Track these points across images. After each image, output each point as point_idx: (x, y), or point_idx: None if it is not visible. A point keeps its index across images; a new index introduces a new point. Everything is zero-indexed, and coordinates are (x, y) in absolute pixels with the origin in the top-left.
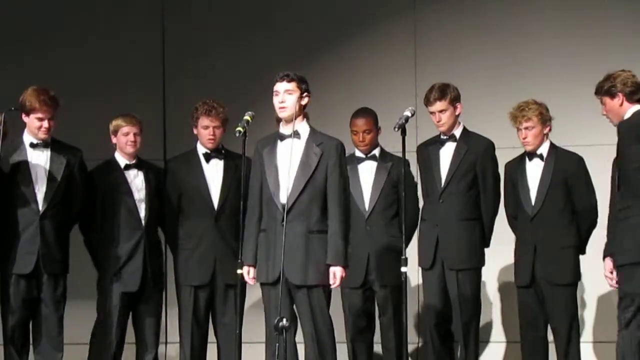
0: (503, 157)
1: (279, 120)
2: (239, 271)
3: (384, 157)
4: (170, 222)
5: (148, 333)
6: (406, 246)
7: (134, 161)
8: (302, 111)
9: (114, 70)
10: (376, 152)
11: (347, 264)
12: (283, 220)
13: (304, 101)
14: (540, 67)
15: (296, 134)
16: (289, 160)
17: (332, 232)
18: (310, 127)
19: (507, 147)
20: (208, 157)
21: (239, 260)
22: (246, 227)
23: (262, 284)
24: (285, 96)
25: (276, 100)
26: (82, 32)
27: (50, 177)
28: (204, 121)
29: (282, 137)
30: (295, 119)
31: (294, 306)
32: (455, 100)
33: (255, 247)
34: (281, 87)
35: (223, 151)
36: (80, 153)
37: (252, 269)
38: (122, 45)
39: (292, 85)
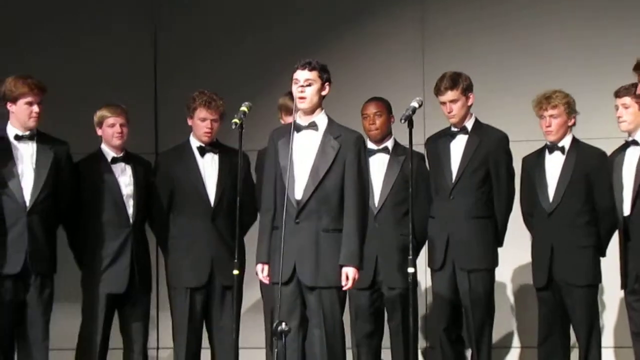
0: (518, 151)
1: (283, 109)
2: (235, 272)
3: (397, 150)
4: (161, 220)
5: (136, 338)
6: (419, 246)
7: (121, 154)
8: (322, 102)
9: (105, 61)
10: (389, 144)
11: (361, 266)
12: (297, 218)
13: (325, 91)
14: (557, 55)
15: (313, 126)
16: (305, 154)
17: (347, 231)
18: (329, 118)
19: (521, 140)
20: (202, 151)
21: (235, 260)
22: (261, 223)
23: (272, 284)
24: (305, 86)
25: (295, 90)
26: (73, 25)
27: (38, 171)
28: (201, 113)
29: (299, 128)
30: (314, 110)
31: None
32: (467, 90)
33: (270, 245)
34: (301, 75)
35: (218, 145)
36: (67, 145)
37: (266, 267)
38: (114, 37)
39: (313, 75)
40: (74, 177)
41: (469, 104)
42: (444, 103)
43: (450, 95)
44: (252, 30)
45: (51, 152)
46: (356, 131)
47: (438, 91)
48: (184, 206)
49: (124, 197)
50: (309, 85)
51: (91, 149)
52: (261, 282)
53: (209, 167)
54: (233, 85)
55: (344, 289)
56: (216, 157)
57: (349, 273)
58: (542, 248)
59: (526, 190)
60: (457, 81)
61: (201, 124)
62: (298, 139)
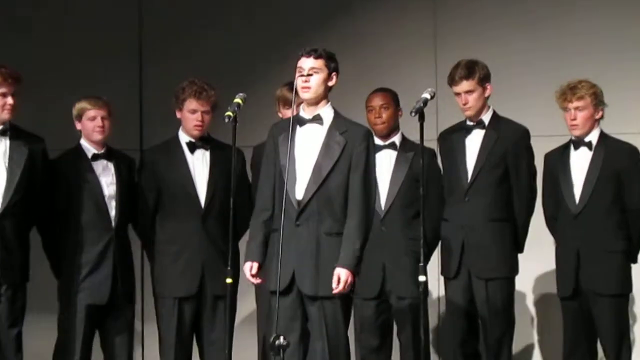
0: (540, 147)
1: (281, 101)
2: (228, 280)
3: (405, 146)
4: (147, 223)
5: (119, 353)
6: (430, 251)
7: (102, 150)
8: (328, 93)
9: (85, 48)
10: (396, 139)
11: (357, 270)
12: (297, 220)
13: (332, 82)
14: (583, 42)
15: (318, 119)
16: (307, 150)
17: (347, 232)
18: (335, 111)
19: (544, 135)
20: (192, 147)
21: (228, 268)
22: (253, 223)
23: (270, 292)
24: (310, 75)
25: (299, 79)
26: (50, 8)
27: (11, 170)
28: (191, 104)
29: (302, 122)
30: (319, 102)
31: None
32: (484, 80)
33: (262, 243)
34: (306, 63)
35: (209, 140)
36: (43, 142)
37: (255, 265)
38: (95, 22)
39: (319, 63)
40: (49, 176)
41: (486, 95)
42: (458, 94)
43: (465, 85)
44: (248, 15)
45: (26, 149)
46: (364, 126)
47: (452, 81)
48: (172, 208)
49: (106, 198)
50: (314, 74)
51: (68, 144)
52: (256, 291)
53: (199, 164)
54: (226, 75)
55: (334, 292)
56: (207, 153)
57: (341, 275)
58: (568, 254)
59: (549, 190)
60: (473, 70)
61: (191, 117)
62: (301, 133)
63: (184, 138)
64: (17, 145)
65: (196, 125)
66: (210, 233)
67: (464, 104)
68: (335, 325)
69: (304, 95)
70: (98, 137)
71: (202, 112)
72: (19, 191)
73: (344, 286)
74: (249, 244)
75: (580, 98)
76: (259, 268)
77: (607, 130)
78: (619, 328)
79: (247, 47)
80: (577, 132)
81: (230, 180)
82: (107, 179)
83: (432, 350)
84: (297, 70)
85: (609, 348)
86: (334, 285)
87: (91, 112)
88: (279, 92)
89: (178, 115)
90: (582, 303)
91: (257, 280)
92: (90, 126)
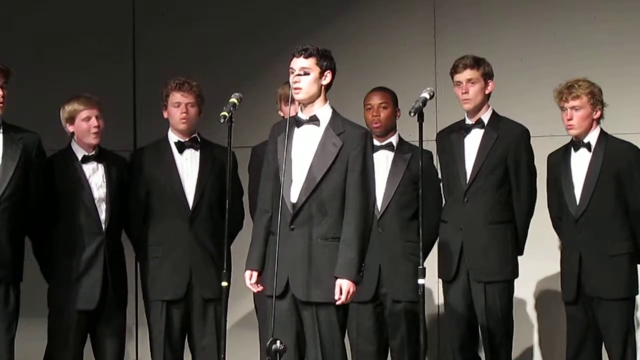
0: (541, 148)
1: (283, 99)
2: (224, 283)
3: (403, 147)
4: (137, 224)
5: (110, 359)
6: (425, 254)
7: (93, 152)
8: (324, 92)
9: (76, 45)
10: (393, 140)
11: (358, 279)
12: (292, 223)
13: (326, 81)
14: (586, 42)
15: (315, 120)
16: (303, 151)
17: (344, 238)
18: (333, 111)
19: (544, 136)
20: (181, 147)
21: (224, 271)
22: (255, 226)
23: (267, 296)
24: (301, 75)
25: (291, 80)
26: (44, 6)
27: (5, 164)
28: (175, 97)
29: (299, 123)
30: (313, 101)
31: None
32: (488, 75)
33: (262, 250)
34: (297, 64)
35: (199, 140)
36: (38, 136)
37: (255, 274)
38: (89, 21)
39: (309, 63)
40: (46, 171)
41: (487, 91)
42: (459, 83)
43: (468, 73)
44: (245, 15)
45: (20, 143)
46: (363, 127)
47: (455, 69)
48: (160, 209)
49: (96, 201)
50: (306, 74)
51: (55, 142)
52: (254, 295)
53: (187, 164)
54: (221, 75)
55: (337, 303)
56: (197, 153)
57: (343, 286)
58: (571, 257)
59: (553, 191)
60: (480, 63)
61: (175, 110)
62: (298, 134)
63: (173, 138)
64: (11, 138)
65: (182, 119)
66: (198, 235)
67: (464, 93)
68: (330, 332)
69: (296, 96)
70: (95, 140)
71: (187, 104)
72: (13, 185)
73: (347, 297)
74: (250, 250)
75: (577, 97)
76: (259, 275)
77: (610, 131)
78: (624, 333)
79: (243, 47)
80: (573, 132)
81: (220, 181)
82: (97, 181)
83: (432, 357)
84: (290, 70)
85: (614, 353)
86: (336, 296)
87: (84, 113)
88: (280, 90)
89: (165, 115)
90: (586, 307)
91: (259, 288)
92: (86, 127)
